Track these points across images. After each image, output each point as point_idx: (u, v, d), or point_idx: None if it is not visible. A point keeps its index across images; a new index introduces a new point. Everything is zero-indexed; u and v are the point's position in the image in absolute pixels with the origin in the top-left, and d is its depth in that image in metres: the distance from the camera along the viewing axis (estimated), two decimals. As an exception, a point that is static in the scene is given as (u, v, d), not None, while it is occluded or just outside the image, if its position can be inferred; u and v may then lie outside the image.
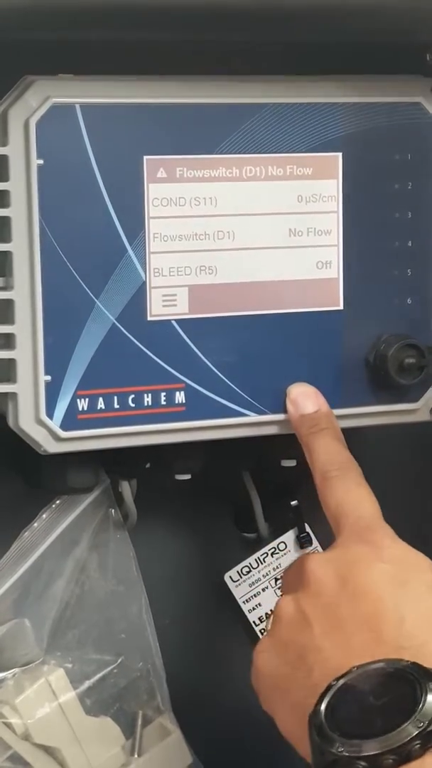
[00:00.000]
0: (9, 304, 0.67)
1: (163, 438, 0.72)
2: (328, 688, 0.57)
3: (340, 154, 0.74)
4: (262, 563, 0.86)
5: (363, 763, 0.54)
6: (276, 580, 0.87)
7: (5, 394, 0.68)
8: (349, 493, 0.67)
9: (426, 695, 0.54)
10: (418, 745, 0.53)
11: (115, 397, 0.70)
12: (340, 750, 0.55)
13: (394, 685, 0.56)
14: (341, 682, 0.57)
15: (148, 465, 0.78)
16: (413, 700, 0.55)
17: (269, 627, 0.65)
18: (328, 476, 0.69)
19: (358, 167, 0.74)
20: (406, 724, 0.54)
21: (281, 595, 0.66)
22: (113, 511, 0.80)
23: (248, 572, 0.86)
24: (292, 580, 0.66)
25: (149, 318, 0.70)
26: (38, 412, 0.68)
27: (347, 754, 0.54)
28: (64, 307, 0.68)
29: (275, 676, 0.63)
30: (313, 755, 0.57)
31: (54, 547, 0.79)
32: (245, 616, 0.86)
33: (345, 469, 0.69)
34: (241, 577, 0.86)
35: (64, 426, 0.69)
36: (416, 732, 0.54)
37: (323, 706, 0.57)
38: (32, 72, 0.67)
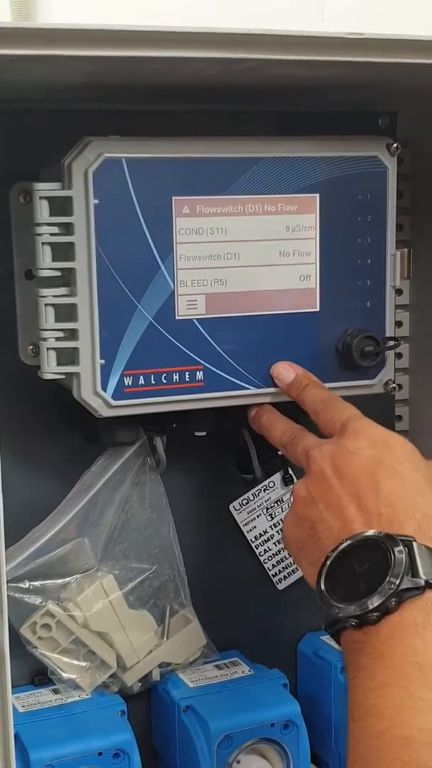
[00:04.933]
0: (73, 307, 0.74)
1: (186, 405, 0.79)
2: (326, 559, 0.62)
3: (317, 195, 0.80)
4: (257, 497, 0.93)
5: (355, 621, 0.59)
6: (267, 509, 0.93)
7: (71, 374, 0.75)
8: (335, 410, 0.72)
9: (394, 559, 0.59)
10: (394, 601, 0.58)
11: (152, 376, 0.77)
12: (336, 612, 0.60)
13: (372, 553, 0.60)
14: (334, 554, 0.62)
15: (174, 425, 0.84)
16: (386, 564, 0.59)
17: (290, 505, 0.70)
18: (317, 409, 0.74)
19: (331, 205, 0.81)
20: (382, 585, 0.59)
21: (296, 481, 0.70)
22: (149, 458, 0.86)
23: (247, 503, 0.93)
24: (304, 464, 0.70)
25: (177, 317, 0.77)
26: (95, 387, 0.75)
27: (342, 615, 0.60)
28: (114, 309, 0.75)
29: (298, 541, 0.68)
30: (320, 617, 0.62)
31: (106, 485, 0.85)
32: (245, 536, 0.94)
33: (330, 400, 0.74)
34: (241, 507, 0.93)
35: (115, 397, 0.76)
36: (391, 591, 0.58)
37: (323, 577, 0.62)
38: (89, 134, 0.74)
